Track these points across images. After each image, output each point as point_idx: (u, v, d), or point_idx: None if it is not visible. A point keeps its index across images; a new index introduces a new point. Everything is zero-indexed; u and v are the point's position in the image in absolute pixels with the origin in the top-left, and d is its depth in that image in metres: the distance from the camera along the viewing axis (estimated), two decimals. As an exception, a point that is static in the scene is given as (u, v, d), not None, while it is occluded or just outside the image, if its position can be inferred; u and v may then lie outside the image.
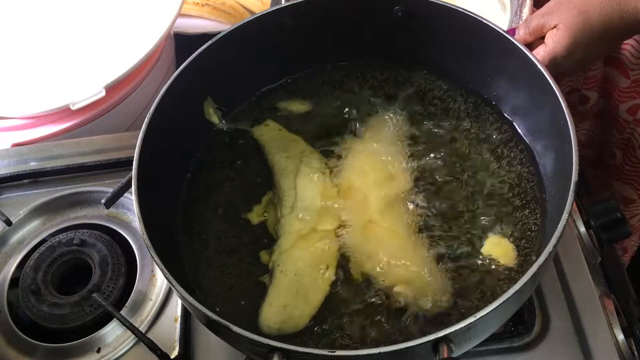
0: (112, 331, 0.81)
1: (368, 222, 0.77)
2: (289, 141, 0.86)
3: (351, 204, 0.79)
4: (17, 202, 0.95)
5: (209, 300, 0.74)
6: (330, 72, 0.92)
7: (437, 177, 0.80)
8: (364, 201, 0.79)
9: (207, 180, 0.84)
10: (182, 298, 0.64)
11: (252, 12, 1.26)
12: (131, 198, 0.69)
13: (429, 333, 0.57)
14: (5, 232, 0.92)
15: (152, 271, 0.86)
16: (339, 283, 0.74)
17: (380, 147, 0.84)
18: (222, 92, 0.86)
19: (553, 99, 0.72)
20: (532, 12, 0.96)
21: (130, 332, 0.80)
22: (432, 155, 0.82)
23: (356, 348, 0.68)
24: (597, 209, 0.82)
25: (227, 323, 0.60)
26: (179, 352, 0.78)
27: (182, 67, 0.79)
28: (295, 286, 0.73)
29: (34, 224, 0.94)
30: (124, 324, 0.79)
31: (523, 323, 0.77)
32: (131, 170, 0.71)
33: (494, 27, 0.78)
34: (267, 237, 0.78)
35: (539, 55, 0.81)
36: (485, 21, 0.79)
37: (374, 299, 0.72)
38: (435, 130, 0.85)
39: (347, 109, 0.89)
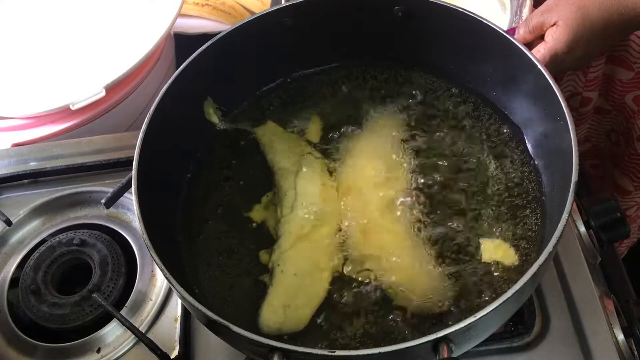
0: (112, 331, 0.81)
1: (368, 222, 0.77)
2: (289, 141, 0.86)
3: (351, 204, 0.79)
4: (17, 202, 0.95)
5: (209, 300, 0.74)
6: (330, 72, 0.92)
7: (437, 177, 0.80)
8: (364, 201, 0.79)
9: (207, 180, 0.84)
10: (182, 298, 0.64)
11: (252, 12, 1.26)
12: (131, 198, 0.69)
13: (429, 333, 0.57)
14: (5, 232, 0.92)
15: (152, 271, 0.86)
16: (339, 283, 0.74)
17: (381, 148, 0.84)
18: (222, 92, 0.86)
19: (553, 99, 0.72)
20: (532, 12, 0.96)
21: (130, 332, 0.80)
22: (432, 155, 0.82)
23: (356, 348, 0.68)
24: (597, 209, 0.82)
25: (227, 323, 0.60)
26: (179, 352, 0.78)
27: (182, 67, 0.79)
28: (296, 286, 0.73)
29: (34, 224, 0.94)
30: (124, 324, 0.79)
31: (523, 323, 0.77)
32: (131, 170, 0.71)
33: (494, 27, 0.78)
34: (267, 237, 0.78)
35: (539, 53, 0.81)
36: (485, 21, 0.79)
37: (374, 299, 0.72)
38: (435, 130, 0.85)
39: (347, 109, 0.89)
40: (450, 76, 0.88)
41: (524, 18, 0.96)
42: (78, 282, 0.85)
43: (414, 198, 0.79)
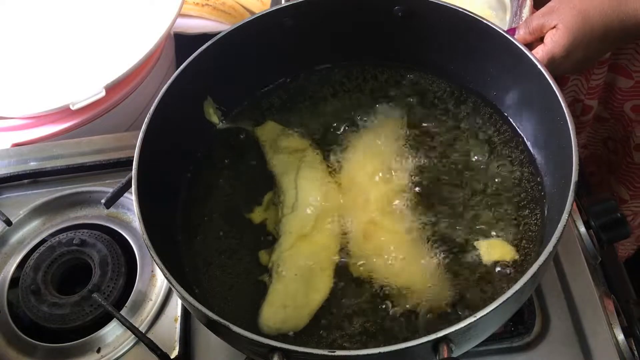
0: (112, 331, 0.81)
1: (368, 222, 0.77)
2: (290, 141, 0.86)
3: (352, 204, 0.79)
4: (17, 202, 0.95)
5: (209, 300, 0.74)
6: (330, 72, 0.92)
7: (437, 177, 0.80)
8: (364, 201, 0.79)
9: (207, 180, 0.84)
10: (182, 298, 0.64)
11: (252, 12, 1.26)
12: (131, 198, 0.69)
13: (429, 333, 0.57)
14: (5, 232, 0.92)
15: (152, 271, 0.86)
16: (339, 283, 0.74)
17: (381, 148, 0.84)
18: (222, 92, 0.86)
19: (553, 99, 0.72)
20: (532, 12, 0.96)
21: (130, 332, 0.80)
22: (432, 155, 0.82)
23: (356, 348, 0.68)
24: (597, 209, 0.82)
25: (227, 323, 0.60)
26: (179, 352, 0.78)
27: (182, 67, 0.79)
28: (296, 286, 0.73)
29: (34, 224, 0.94)
30: (124, 324, 0.79)
31: (523, 323, 0.77)
32: (131, 170, 0.71)
33: (494, 27, 0.78)
34: (267, 237, 0.78)
35: (537, 55, 0.81)
36: (485, 21, 0.79)
37: (373, 299, 0.72)
38: (436, 130, 0.85)
39: (347, 109, 0.89)
40: (450, 76, 0.88)
41: (524, 18, 0.96)
42: (78, 282, 0.85)
43: (414, 198, 0.79)
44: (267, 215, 0.80)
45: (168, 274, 0.63)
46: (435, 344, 0.57)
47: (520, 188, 0.78)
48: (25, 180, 0.98)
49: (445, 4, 0.81)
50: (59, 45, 1.08)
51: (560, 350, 0.76)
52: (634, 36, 0.88)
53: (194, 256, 0.77)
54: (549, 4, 0.85)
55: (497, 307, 0.58)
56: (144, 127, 0.74)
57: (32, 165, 0.99)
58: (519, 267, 0.72)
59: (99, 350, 0.80)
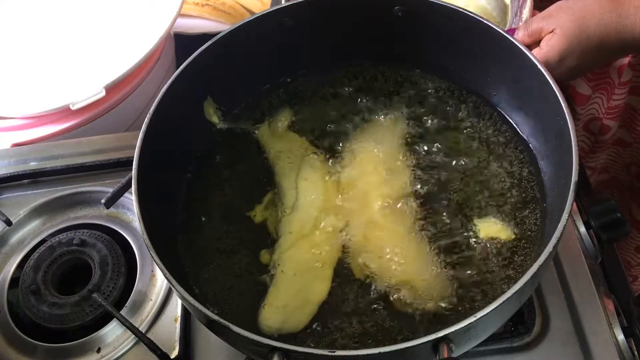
0: (112, 331, 0.81)
1: (369, 222, 0.77)
2: (290, 141, 0.86)
3: (352, 204, 0.79)
4: (17, 202, 0.95)
5: (209, 300, 0.74)
6: (330, 72, 0.92)
7: (437, 177, 0.80)
8: (364, 201, 0.79)
9: (207, 180, 0.84)
10: (182, 298, 0.64)
11: (252, 12, 1.27)
12: (131, 198, 0.69)
13: (429, 333, 0.57)
14: (5, 232, 0.92)
15: (152, 271, 0.86)
16: (339, 283, 0.74)
17: (381, 147, 0.84)
18: (222, 92, 0.86)
19: (553, 99, 0.72)
20: (532, 13, 0.96)
21: (130, 332, 0.80)
22: (432, 155, 0.82)
23: (356, 348, 0.68)
24: (597, 209, 0.82)
25: (227, 323, 0.60)
26: (179, 352, 0.78)
27: (182, 67, 0.79)
28: (296, 286, 0.73)
29: (34, 224, 0.94)
30: (124, 324, 0.79)
31: (523, 323, 0.78)
32: (131, 170, 0.71)
33: (495, 27, 0.78)
34: (267, 237, 0.78)
35: None
36: (485, 21, 0.79)
37: (374, 299, 0.72)
38: (435, 130, 0.85)
39: (347, 109, 0.89)
40: (450, 76, 0.88)
41: (524, 19, 0.96)
42: (78, 282, 0.85)
43: (414, 198, 0.79)
44: (267, 215, 0.80)
45: (168, 274, 0.63)
46: (435, 344, 0.57)
47: (520, 188, 0.78)
48: (25, 180, 0.98)
49: (445, 4, 0.81)
50: (59, 45, 1.08)
51: (560, 350, 0.76)
52: (629, 50, 0.88)
53: (194, 256, 0.77)
54: (549, 8, 0.85)
55: (497, 307, 0.58)
56: (144, 127, 0.74)
57: (32, 165, 0.99)
58: (519, 266, 0.72)
59: (99, 350, 0.80)
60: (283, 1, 1.11)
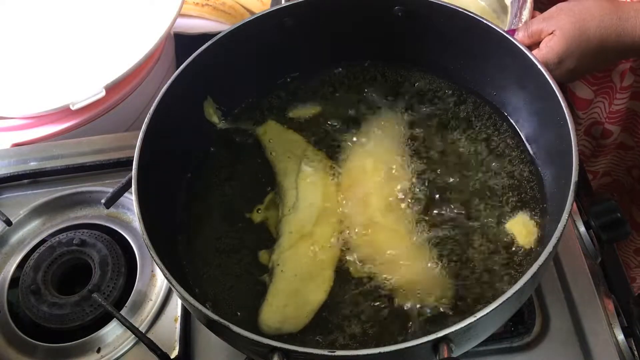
0: (112, 331, 0.81)
1: (369, 222, 0.77)
2: (290, 141, 0.86)
3: (352, 204, 0.79)
4: (17, 202, 0.95)
5: (209, 300, 0.74)
6: (330, 71, 0.92)
7: (437, 177, 0.80)
8: (365, 201, 0.79)
9: (207, 180, 0.84)
10: (182, 298, 0.64)
11: (252, 12, 1.26)
12: (131, 198, 0.69)
13: (429, 333, 0.57)
14: (5, 232, 0.92)
15: (152, 271, 0.86)
16: (339, 283, 0.74)
17: (381, 147, 0.84)
18: (222, 92, 0.86)
19: (553, 99, 0.72)
20: (532, 14, 0.96)
21: (130, 332, 0.80)
22: (432, 155, 0.82)
23: (356, 348, 0.68)
24: (597, 209, 0.82)
25: (227, 323, 0.60)
26: (179, 352, 0.78)
27: (182, 67, 0.79)
28: (296, 286, 0.73)
29: (34, 224, 0.94)
30: (124, 324, 0.79)
31: (523, 323, 0.78)
32: (131, 170, 0.71)
33: (495, 27, 0.78)
34: (267, 237, 0.78)
35: None
36: (485, 21, 0.79)
37: (374, 299, 0.72)
38: (435, 130, 0.85)
39: (347, 109, 0.89)
40: (450, 76, 0.88)
41: (523, 20, 0.96)
42: (78, 282, 0.85)
43: (414, 197, 0.79)
44: (268, 215, 0.80)
45: (168, 274, 0.63)
46: (435, 344, 0.57)
47: (520, 188, 0.78)
48: (25, 180, 0.98)
49: (445, 4, 0.81)
50: (59, 45, 1.08)
51: (560, 350, 0.76)
52: (629, 53, 0.88)
53: (194, 256, 0.77)
54: (550, 10, 0.85)
55: (497, 307, 0.58)
56: (144, 127, 0.74)
57: (32, 165, 0.99)
58: (519, 266, 0.72)
59: (99, 350, 0.80)
60: (283, 1, 1.11)
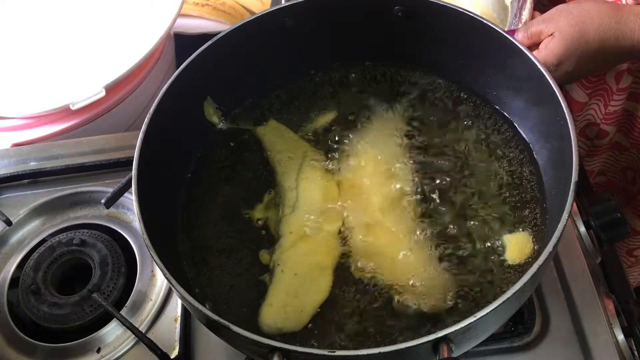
0: (112, 331, 0.81)
1: (369, 222, 0.77)
2: (291, 141, 0.86)
3: (353, 204, 0.79)
4: (17, 202, 0.95)
5: (209, 300, 0.74)
6: (330, 72, 0.92)
7: (437, 177, 0.80)
8: (365, 201, 0.79)
9: (207, 180, 0.84)
10: (182, 298, 0.64)
11: (252, 12, 1.26)
12: (131, 198, 0.69)
13: (429, 333, 0.57)
14: (5, 232, 0.92)
15: (152, 271, 0.86)
16: (339, 283, 0.74)
17: (381, 147, 0.84)
18: (222, 92, 0.86)
19: (553, 99, 0.72)
20: (532, 14, 0.96)
21: (130, 332, 0.80)
22: (432, 155, 0.82)
23: (356, 348, 0.68)
24: (597, 209, 0.82)
25: (227, 323, 0.60)
26: (179, 352, 0.78)
27: (182, 67, 0.79)
28: (296, 286, 0.73)
29: (34, 224, 0.94)
30: (124, 324, 0.79)
31: (523, 323, 0.77)
32: (131, 170, 0.71)
33: (495, 27, 0.78)
34: (267, 237, 0.78)
35: None
36: (485, 21, 0.79)
37: (374, 299, 0.72)
38: (436, 130, 0.85)
39: (347, 109, 0.89)
40: (450, 76, 0.88)
41: (523, 20, 0.96)
42: (78, 282, 0.85)
43: (414, 198, 0.79)
44: (268, 215, 0.80)
45: (168, 274, 0.63)
46: (435, 344, 0.57)
47: (520, 188, 0.78)
48: (25, 180, 0.98)
49: (445, 4, 0.81)
50: (59, 45, 1.08)
51: (560, 350, 0.76)
52: (627, 57, 0.88)
53: (194, 256, 0.77)
54: (549, 12, 0.85)
55: (497, 307, 0.58)
56: (144, 127, 0.74)
57: (32, 165, 0.99)
58: (519, 266, 0.72)
59: (99, 350, 0.80)
60: (283, 1, 1.11)
